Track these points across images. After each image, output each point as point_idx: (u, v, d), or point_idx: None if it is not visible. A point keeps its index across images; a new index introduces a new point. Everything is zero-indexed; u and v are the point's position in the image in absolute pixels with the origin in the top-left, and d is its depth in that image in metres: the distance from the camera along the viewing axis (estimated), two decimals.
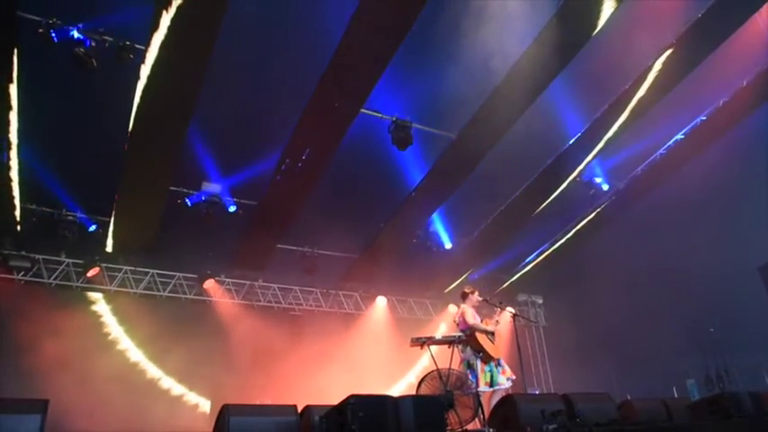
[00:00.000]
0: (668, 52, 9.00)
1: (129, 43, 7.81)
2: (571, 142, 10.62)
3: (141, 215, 10.33)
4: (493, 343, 6.87)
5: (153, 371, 11.31)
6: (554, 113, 10.01)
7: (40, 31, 7.37)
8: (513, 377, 6.83)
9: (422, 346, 6.34)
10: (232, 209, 10.98)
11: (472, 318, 7.00)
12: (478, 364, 6.70)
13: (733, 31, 8.80)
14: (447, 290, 14.68)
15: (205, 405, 11.47)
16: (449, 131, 10.24)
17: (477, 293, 7.35)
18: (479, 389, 6.40)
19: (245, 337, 12.02)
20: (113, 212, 10.18)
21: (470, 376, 6.52)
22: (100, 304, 11.43)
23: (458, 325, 7.08)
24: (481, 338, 6.76)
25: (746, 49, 9.31)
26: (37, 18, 7.36)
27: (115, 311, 11.44)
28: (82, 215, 10.70)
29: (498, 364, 6.79)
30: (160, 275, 12.04)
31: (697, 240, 10.52)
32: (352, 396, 4.21)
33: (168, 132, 8.74)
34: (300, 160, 9.75)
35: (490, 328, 6.94)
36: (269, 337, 12.29)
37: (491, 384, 6.59)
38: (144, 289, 11.82)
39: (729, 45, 8.97)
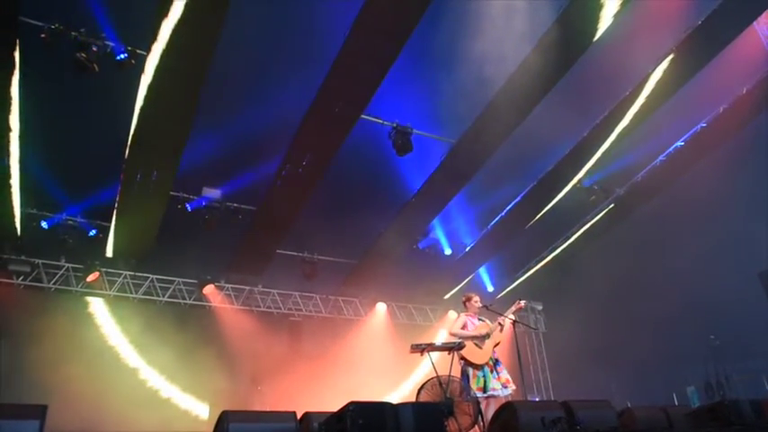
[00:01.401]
0: (668, 59, 9.01)
1: (131, 48, 7.84)
2: (572, 148, 10.62)
3: (141, 220, 10.33)
4: (480, 348, 6.79)
5: (152, 376, 11.30)
6: (555, 119, 10.01)
7: (42, 35, 7.39)
8: (513, 387, 6.71)
9: (422, 352, 6.32)
10: (232, 214, 10.97)
11: (458, 327, 6.96)
12: (470, 370, 6.65)
13: (733, 39, 8.82)
14: (447, 296, 14.66)
15: (204, 411, 11.44)
16: (449, 137, 10.25)
17: (476, 299, 7.31)
18: (472, 394, 6.36)
19: (245, 342, 12.01)
20: (114, 217, 10.18)
21: (463, 382, 6.49)
22: (99, 309, 11.43)
23: None
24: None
25: (746, 57, 9.32)
26: (39, 23, 7.38)
27: (114, 316, 11.44)
28: (82, 220, 10.71)
29: (494, 370, 6.69)
30: (160, 281, 12.04)
31: (697, 247, 10.51)
32: (352, 403, 4.19)
33: (170, 137, 8.76)
34: (301, 165, 9.76)
35: (482, 332, 6.86)
36: (268, 342, 12.29)
37: (484, 390, 6.48)
38: (143, 294, 11.81)
39: (729, 52, 8.98)
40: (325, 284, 13.40)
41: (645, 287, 11.70)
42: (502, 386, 6.56)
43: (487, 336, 6.81)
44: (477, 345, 6.73)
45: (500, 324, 6.90)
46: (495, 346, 6.84)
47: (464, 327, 6.98)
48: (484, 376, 6.56)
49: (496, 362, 6.77)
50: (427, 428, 4.41)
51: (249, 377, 11.74)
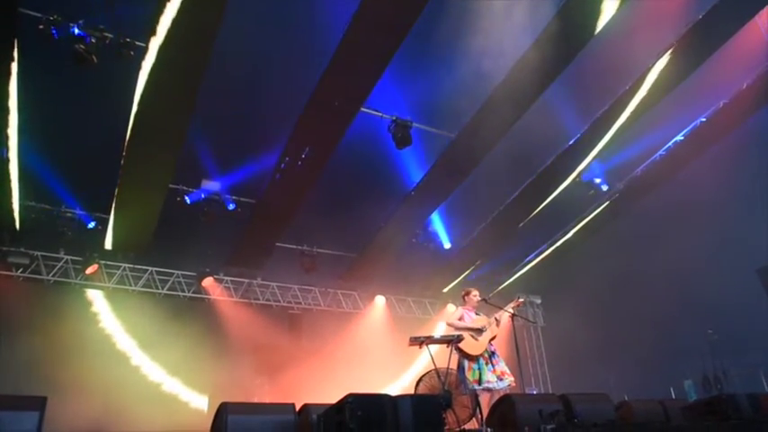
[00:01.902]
0: (669, 53, 8.99)
1: (130, 40, 7.80)
2: (571, 142, 10.62)
3: (141, 212, 10.31)
4: (476, 340, 6.82)
5: (151, 368, 11.32)
6: (554, 113, 10.01)
7: (41, 27, 7.35)
8: (511, 378, 6.74)
9: (420, 345, 6.33)
10: (231, 207, 10.98)
11: (455, 318, 7.04)
12: (466, 363, 6.70)
13: (733, 33, 8.80)
14: (446, 289, 14.69)
15: (203, 403, 11.47)
16: (448, 131, 10.24)
17: (475, 294, 7.34)
18: (468, 386, 6.40)
19: (244, 335, 12.03)
20: (113, 209, 10.17)
21: (459, 375, 6.53)
22: (98, 301, 11.44)
23: None
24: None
25: (747, 51, 9.31)
26: (37, 14, 7.34)
27: (113, 309, 11.45)
28: (81, 212, 10.71)
29: (489, 362, 6.73)
30: (159, 273, 12.04)
31: (696, 242, 10.52)
32: (351, 395, 4.20)
33: (169, 129, 8.73)
34: (300, 159, 9.75)
35: (477, 325, 6.90)
36: (267, 335, 12.31)
37: (479, 382, 6.54)
38: (142, 286, 11.82)
39: (730, 47, 8.96)
40: (324, 277, 13.41)
41: (643, 282, 11.72)
42: (497, 378, 6.62)
43: (483, 329, 6.86)
44: (473, 337, 6.79)
45: (496, 319, 6.95)
46: (491, 339, 6.88)
47: (461, 319, 7.05)
48: (479, 369, 6.62)
49: (492, 354, 6.82)
50: (426, 420, 4.43)
51: (248, 369, 11.77)
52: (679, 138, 10.89)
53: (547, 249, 13.93)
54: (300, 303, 13.44)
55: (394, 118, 9.49)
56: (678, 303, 10.99)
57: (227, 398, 5.08)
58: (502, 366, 6.76)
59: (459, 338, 6.58)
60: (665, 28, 8.82)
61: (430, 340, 6.38)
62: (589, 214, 12.82)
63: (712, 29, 8.62)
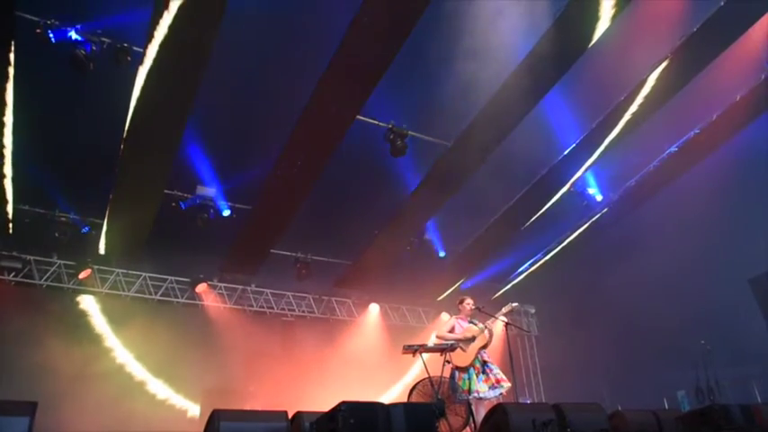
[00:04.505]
0: (663, 66, 9.07)
1: (127, 45, 7.81)
2: (566, 153, 10.67)
3: (135, 218, 10.28)
4: (464, 351, 6.80)
5: (143, 374, 11.26)
6: (549, 124, 10.07)
7: (38, 31, 7.36)
8: (507, 385, 6.71)
9: (414, 353, 6.34)
10: (226, 213, 10.95)
11: (445, 330, 7.05)
12: (456, 373, 6.70)
13: (728, 46, 8.88)
14: (440, 298, 14.68)
15: (195, 410, 11.40)
16: (444, 139, 10.27)
17: (469, 302, 7.33)
18: (459, 395, 6.40)
19: (237, 341, 11.97)
20: (107, 214, 10.13)
21: (451, 384, 6.53)
22: (91, 306, 11.37)
23: None
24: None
25: (740, 64, 9.39)
26: (35, 18, 7.35)
27: (106, 314, 11.39)
28: (75, 216, 10.65)
29: (481, 372, 6.71)
30: (152, 278, 11.98)
31: (689, 252, 10.57)
32: (343, 403, 4.19)
33: (164, 135, 8.73)
34: (296, 165, 9.75)
35: (467, 335, 6.89)
36: (260, 342, 12.27)
37: (469, 392, 6.54)
38: (136, 292, 11.76)
39: (724, 59, 9.05)
40: (318, 285, 13.38)
41: (637, 292, 11.74)
42: (490, 387, 6.59)
43: (472, 339, 6.84)
44: (461, 348, 6.77)
45: (487, 328, 6.92)
46: (481, 348, 6.84)
47: (452, 330, 7.03)
48: (469, 379, 6.61)
49: (485, 364, 6.78)
50: (418, 429, 4.42)
51: (241, 376, 11.72)
52: (673, 149, 10.96)
53: (541, 259, 13.96)
54: (294, 310, 13.40)
55: (390, 126, 9.52)
56: (671, 314, 11.01)
57: (220, 405, 5.06)
58: (496, 374, 6.73)
59: (453, 347, 6.57)
60: (659, 40, 8.89)
61: (423, 348, 6.39)
62: (583, 224, 12.86)
63: (706, 41, 8.70)
